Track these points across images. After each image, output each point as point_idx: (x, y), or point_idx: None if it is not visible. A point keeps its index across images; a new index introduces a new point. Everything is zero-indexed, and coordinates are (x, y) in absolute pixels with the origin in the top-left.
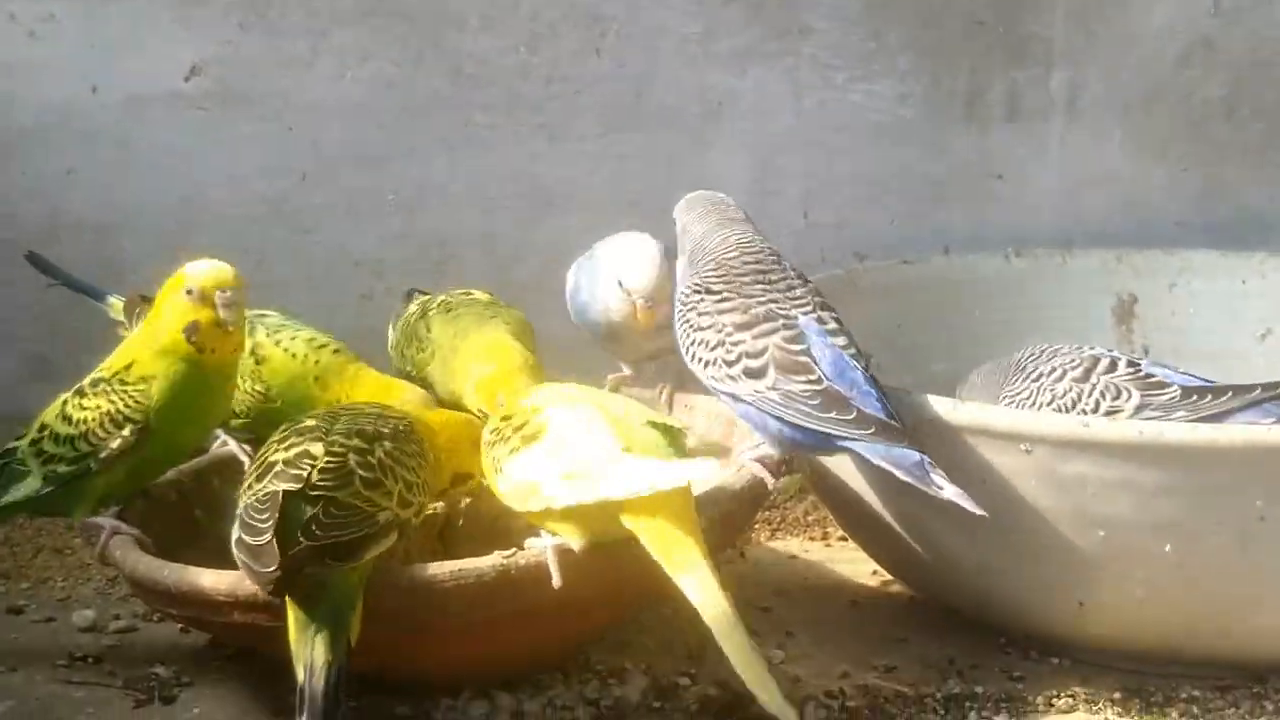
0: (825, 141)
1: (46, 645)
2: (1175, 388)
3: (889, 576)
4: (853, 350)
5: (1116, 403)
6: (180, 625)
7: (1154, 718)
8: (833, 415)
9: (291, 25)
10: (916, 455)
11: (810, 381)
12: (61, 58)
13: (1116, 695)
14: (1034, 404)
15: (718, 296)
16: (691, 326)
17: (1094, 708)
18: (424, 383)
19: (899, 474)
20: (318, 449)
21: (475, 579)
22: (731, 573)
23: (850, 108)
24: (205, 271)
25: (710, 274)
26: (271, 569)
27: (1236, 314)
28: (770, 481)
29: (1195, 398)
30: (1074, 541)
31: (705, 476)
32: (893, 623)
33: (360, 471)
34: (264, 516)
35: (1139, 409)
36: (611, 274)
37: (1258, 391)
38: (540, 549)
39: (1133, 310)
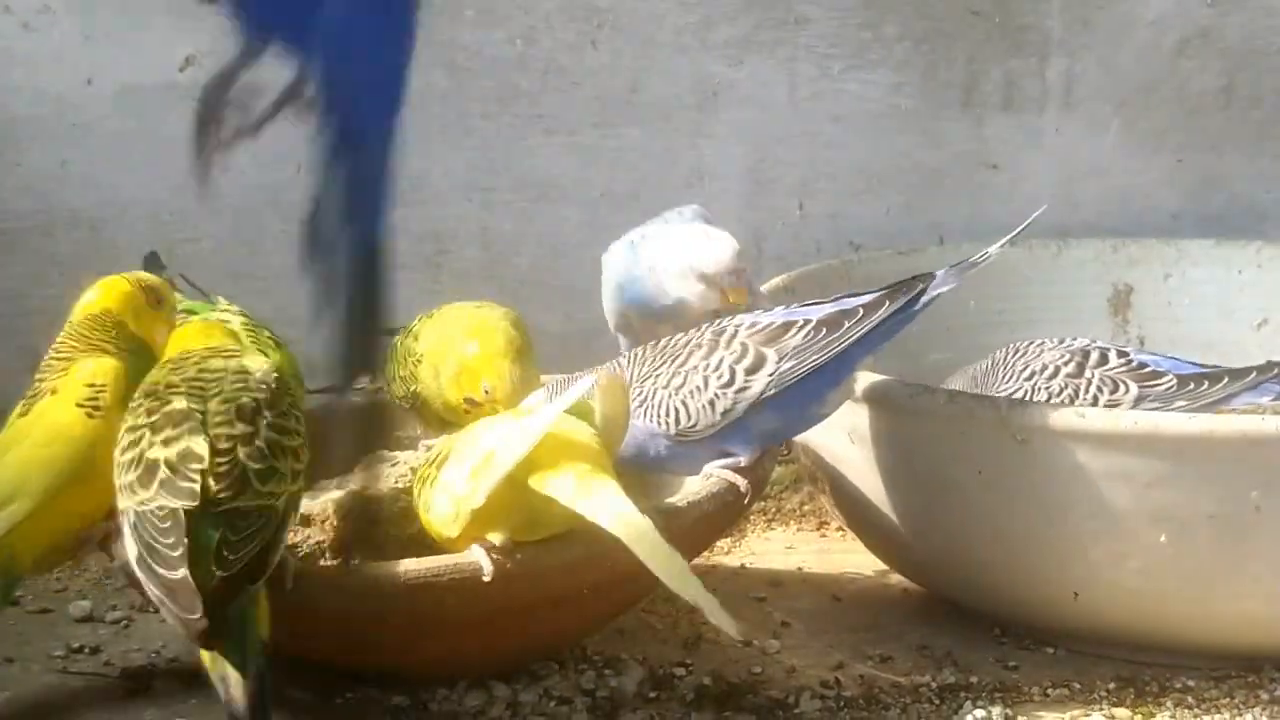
0: (821, 131)
1: (43, 636)
2: (1171, 376)
3: (884, 567)
4: (818, 301)
5: (1115, 396)
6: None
7: (1148, 708)
8: (845, 327)
9: None
10: (934, 274)
11: (800, 328)
12: (56, 49)
13: (1111, 685)
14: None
15: (666, 362)
16: (669, 396)
17: (1088, 698)
18: (423, 405)
19: (946, 287)
20: (201, 446)
21: (471, 575)
22: (725, 563)
23: (846, 98)
24: None
25: (637, 369)
26: (198, 617)
27: (1232, 304)
28: (742, 484)
29: (1192, 385)
30: (1069, 532)
31: (570, 399)
32: (888, 613)
33: (252, 464)
34: (171, 541)
35: (1138, 401)
36: (685, 269)
37: (1253, 375)
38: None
39: (1128, 300)
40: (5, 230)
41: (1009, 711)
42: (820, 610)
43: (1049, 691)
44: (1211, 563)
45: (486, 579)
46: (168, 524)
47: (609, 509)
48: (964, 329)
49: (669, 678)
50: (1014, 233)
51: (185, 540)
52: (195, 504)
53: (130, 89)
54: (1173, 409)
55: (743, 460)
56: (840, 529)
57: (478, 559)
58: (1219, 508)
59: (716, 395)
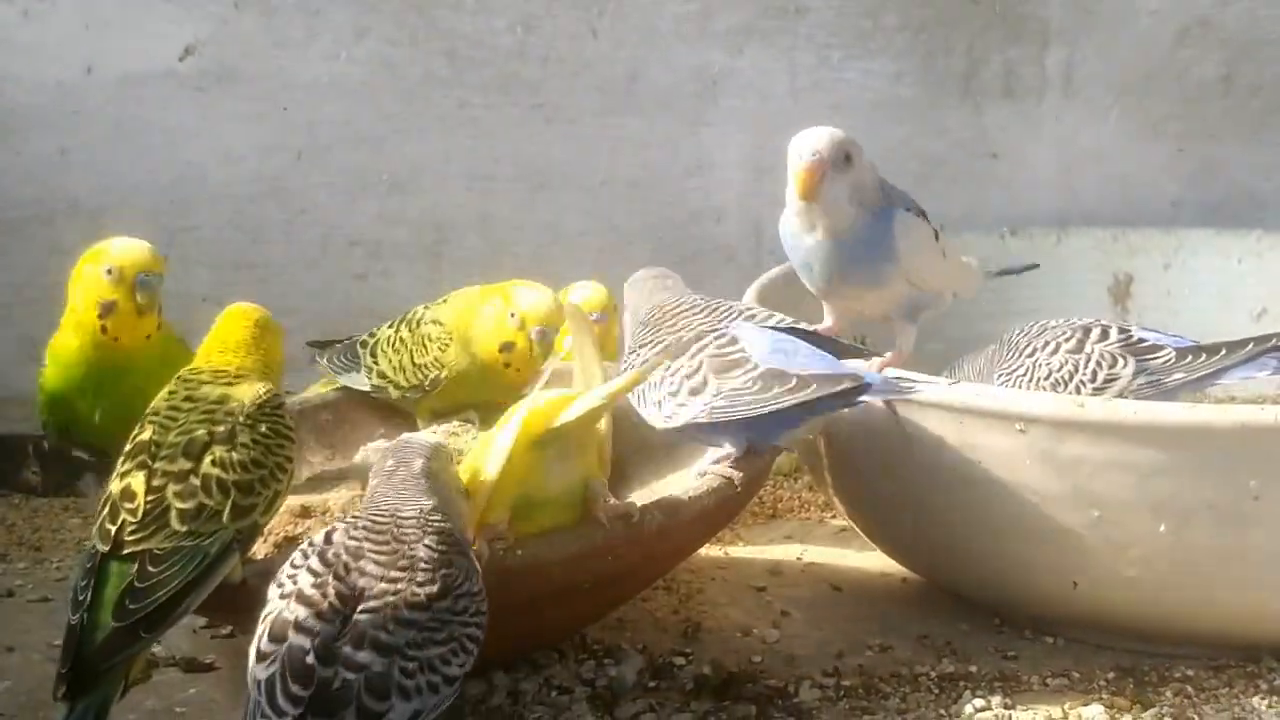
0: (821, 120)
1: (43, 626)
2: (1169, 350)
3: (884, 556)
4: (791, 322)
5: (1113, 370)
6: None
7: (1147, 697)
8: (774, 391)
9: (286, 5)
10: (866, 379)
11: (746, 371)
12: (56, 37)
13: (1110, 675)
14: (1031, 379)
15: (650, 345)
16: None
17: (1088, 687)
18: (453, 390)
19: (873, 399)
20: (139, 483)
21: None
22: (726, 552)
23: (846, 86)
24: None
25: (642, 333)
26: (61, 675)
27: (1232, 292)
28: (736, 477)
29: (1190, 358)
30: (1069, 521)
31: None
32: (888, 602)
33: (178, 504)
34: (82, 584)
35: (1136, 374)
36: None
37: (1250, 346)
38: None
39: (1129, 289)
40: (6, 218)
41: (1008, 701)
42: (820, 599)
43: (1048, 681)
44: (1211, 552)
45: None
46: (88, 564)
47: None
48: (963, 318)
49: (669, 667)
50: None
51: (91, 584)
52: (106, 548)
53: (130, 78)
54: (1171, 381)
55: (733, 452)
56: (838, 518)
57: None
58: (1218, 497)
59: (662, 400)
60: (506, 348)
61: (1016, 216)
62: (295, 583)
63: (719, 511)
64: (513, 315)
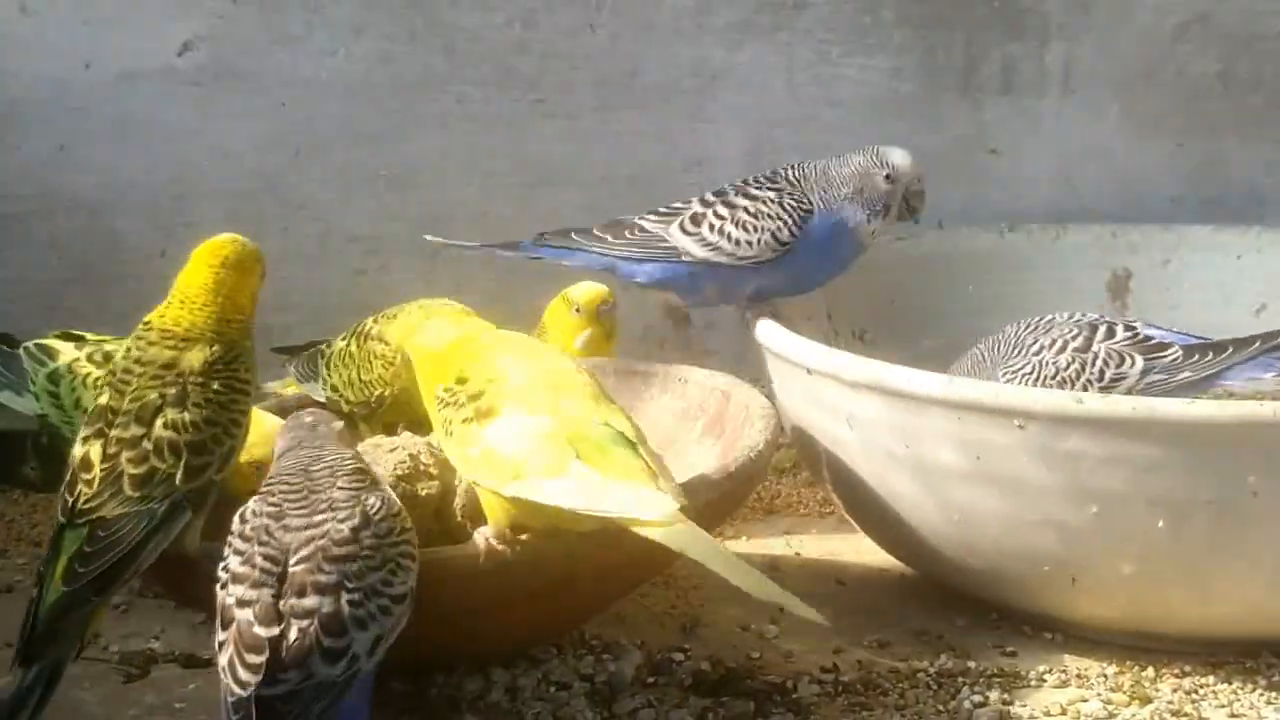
0: (820, 116)
1: None
2: (1176, 348)
3: (882, 551)
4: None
5: (1121, 369)
6: (175, 602)
7: (1146, 693)
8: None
9: (285, 1)
10: None
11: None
12: (54, 33)
13: (1109, 670)
14: (1038, 378)
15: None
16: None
17: (1086, 683)
18: (402, 407)
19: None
20: (96, 452)
21: (469, 563)
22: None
23: (845, 82)
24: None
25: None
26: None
27: (1231, 289)
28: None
29: (1197, 356)
30: (1067, 517)
31: (665, 512)
32: (885, 598)
33: (130, 470)
34: (47, 557)
35: (1144, 373)
36: None
37: (1257, 344)
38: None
39: (1127, 285)
40: (4, 214)
41: (1006, 697)
42: (819, 595)
43: (1046, 677)
44: (1209, 548)
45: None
46: (51, 538)
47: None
48: (962, 314)
49: (667, 663)
50: None
51: (51, 556)
52: (64, 520)
53: (129, 73)
54: (1178, 379)
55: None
56: (837, 513)
57: (478, 545)
58: (1217, 492)
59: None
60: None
61: (1015, 212)
62: (227, 570)
63: (718, 505)
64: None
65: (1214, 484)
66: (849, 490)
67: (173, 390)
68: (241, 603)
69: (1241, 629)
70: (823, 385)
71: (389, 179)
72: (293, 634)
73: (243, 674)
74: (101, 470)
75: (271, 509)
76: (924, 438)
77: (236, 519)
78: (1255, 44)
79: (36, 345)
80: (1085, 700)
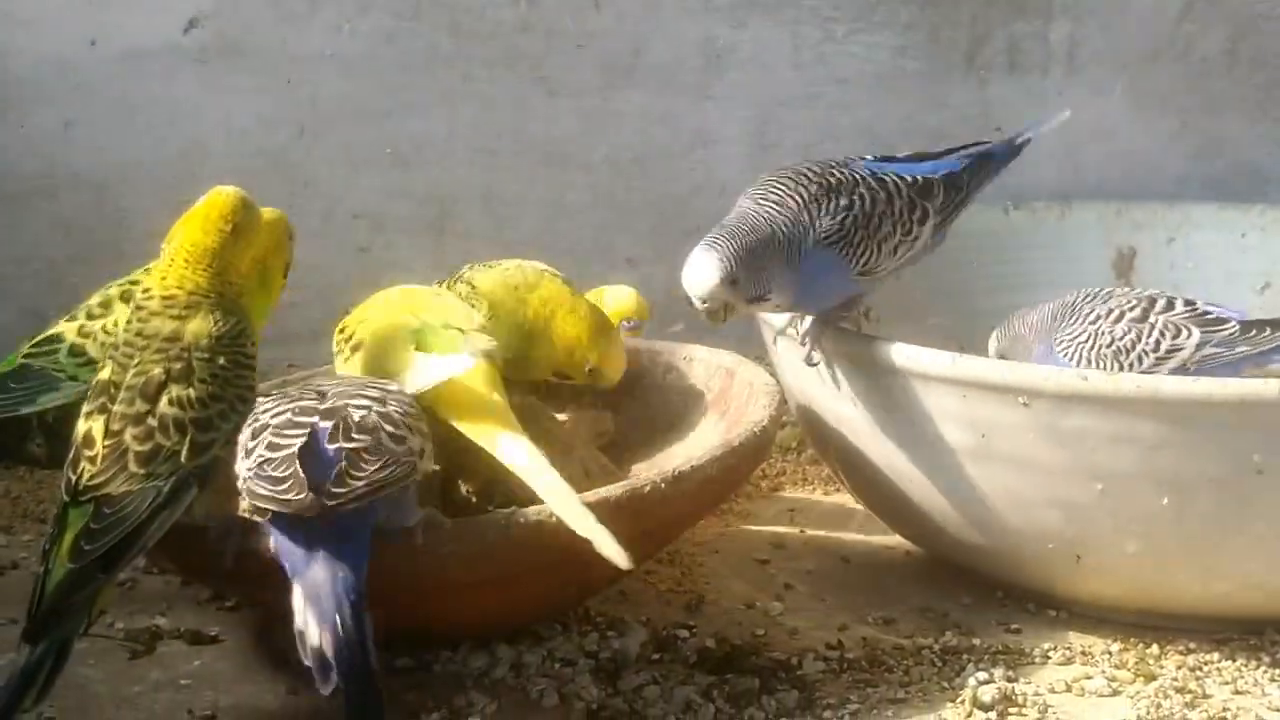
0: (825, 94)
1: None
2: (1234, 323)
3: (887, 529)
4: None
5: (1177, 341)
6: (181, 577)
7: (1150, 670)
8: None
9: None
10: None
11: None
12: (59, 10)
13: (1114, 648)
14: (1093, 346)
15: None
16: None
17: (1091, 660)
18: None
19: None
20: (99, 428)
21: (476, 539)
22: (729, 525)
23: (850, 60)
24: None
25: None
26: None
27: (1235, 267)
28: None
29: (1254, 331)
30: (1072, 494)
31: (465, 366)
32: (890, 575)
33: (136, 446)
34: (52, 534)
35: (1200, 345)
36: None
37: None
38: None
39: (1132, 264)
40: (9, 192)
41: (1011, 674)
42: (823, 573)
43: (1051, 654)
44: (1214, 525)
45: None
46: (56, 515)
47: (526, 458)
48: (966, 293)
49: (672, 639)
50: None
51: (56, 533)
52: (68, 498)
53: (134, 51)
54: (1235, 354)
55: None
56: (841, 490)
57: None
58: (1221, 470)
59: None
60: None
61: (1020, 191)
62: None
63: (722, 481)
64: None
65: (1219, 462)
66: (854, 468)
67: (178, 365)
68: (276, 413)
69: (1246, 606)
70: (827, 363)
71: (394, 156)
72: (356, 416)
73: (286, 441)
74: (105, 447)
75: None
76: (929, 415)
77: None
78: (1260, 23)
79: (33, 348)
80: (1090, 677)
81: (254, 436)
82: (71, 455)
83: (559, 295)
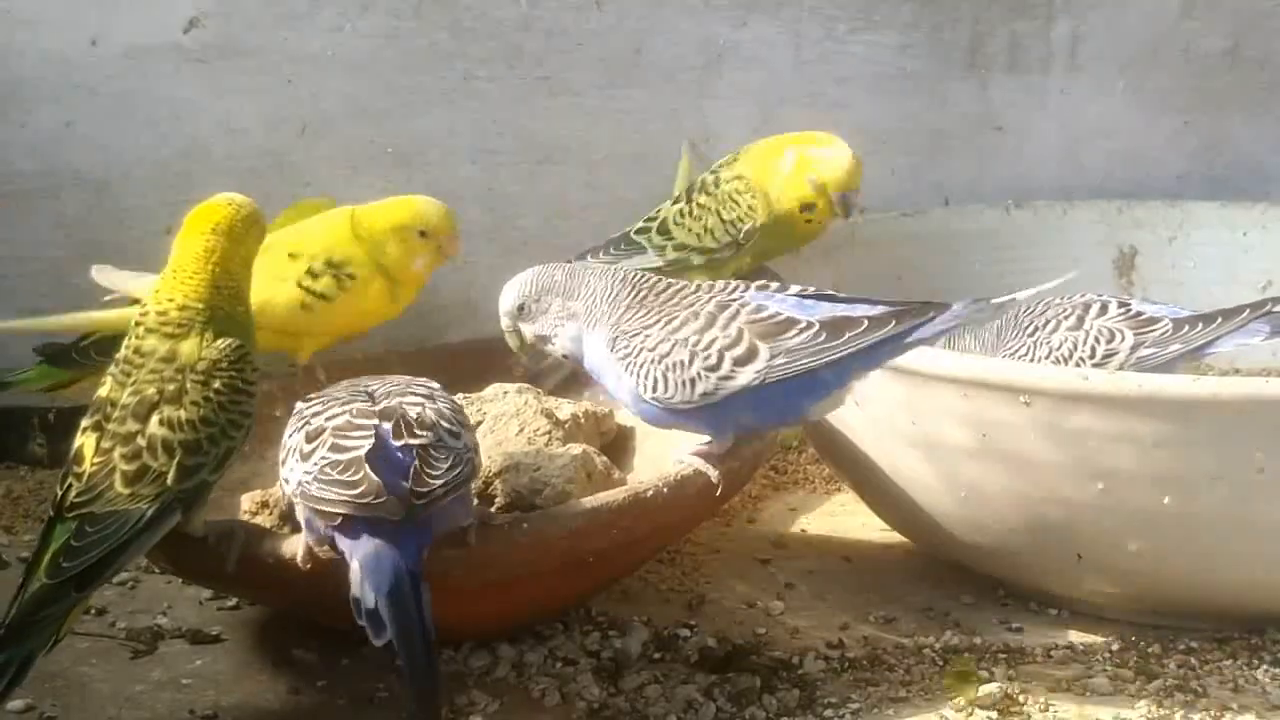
0: (826, 93)
1: None
2: (1166, 321)
3: (888, 529)
4: (807, 289)
5: (1111, 345)
6: (182, 578)
7: (1151, 669)
8: (845, 336)
9: None
10: (949, 305)
11: (803, 329)
12: (60, 9)
13: (1114, 647)
14: (1033, 359)
15: (658, 323)
16: (652, 362)
17: (1091, 659)
18: (761, 242)
19: (957, 321)
20: (90, 445)
21: (480, 544)
22: (731, 525)
23: (851, 59)
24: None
25: (629, 316)
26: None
27: (1237, 266)
28: (713, 475)
29: (1186, 328)
30: (1073, 493)
31: None
32: (892, 575)
33: (123, 466)
34: (37, 547)
35: (1134, 348)
36: None
37: (1245, 313)
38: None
39: (1133, 262)
40: (10, 191)
41: (1012, 673)
42: (825, 572)
43: (1052, 653)
44: (1215, 524)
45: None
46: (43, 529)
47: None
48: (968, 291)
49: (673, 639)
50: (1036, 290)
51: (40, 547)
52: (53, 513)
53: (135, 50)
54: (1169, 352)
55: (715, 447)
56: (843, 490)
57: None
58: (1222, 469)
59: (699, 375)
60: (807, 208)
61: (1021, 189)
62: (299, 420)
63: (726, 480)
64: (811, 178)
65: (1220, 461)
66: (855, 467)
67: (171, 386)
68: (331, 417)
69: (1246, 605)
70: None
71: (395, 156)
72: (412, 414)
73: (351, 443)
74: (93, 465)
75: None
76: (931, 415)
77: (299, 405)
78: (1262, 21)
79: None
80: (1090, 676)
81: (310, 440)
82: (63, 470)
83: (761, 148)
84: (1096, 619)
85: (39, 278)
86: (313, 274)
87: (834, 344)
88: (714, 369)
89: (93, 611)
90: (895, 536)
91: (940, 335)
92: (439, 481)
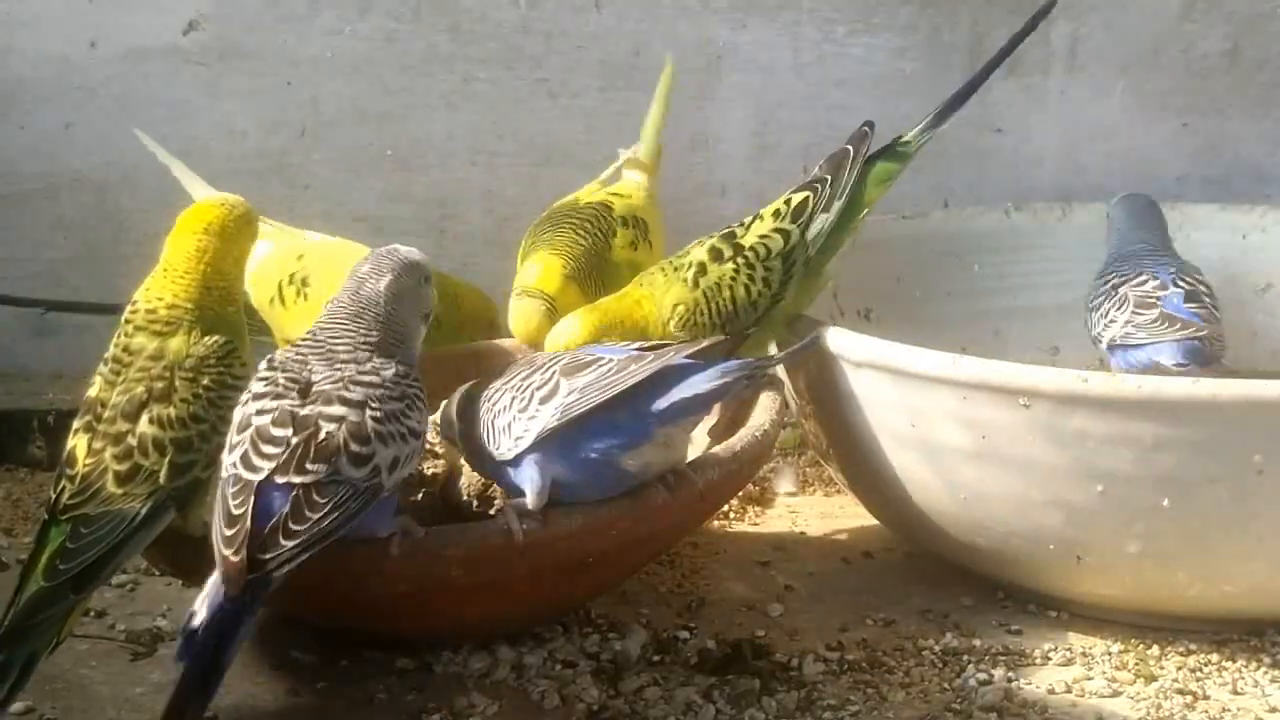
0: (825, 95)
1: None
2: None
3: (888, 530)
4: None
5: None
6: (182, 581)
7: (1151, 671)
8: (630, 369)
9: None
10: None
11: (602, 365)
12: (60, 12)
13: (1114, 649)
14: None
15: (513, 373)
16: (491, 414)
17: (1091, 661)
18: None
19: (741, 374)
20: (82, 447)
21: (480, 543)
22: (730, 527)
23: (850, 61)
24: None
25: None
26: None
27: (1236, 268)
28: (517, 533)
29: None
30: (1072, 495)
31: None
32: (891, 576)
33: (114, 467)
34: (33, 550)
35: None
36: None
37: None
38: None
39: None
40: (10, 193)
41: (1011, 675)
42: (824, 574)
43: (1051, 655)
44: (1214, 526)
45: (518, 541)
46: (37, 531)
47: None
48: (966, 293)
49: (672, 641)
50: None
51: (36, 549)
52: (47, 516)
53: (134, 52)
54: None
55: (529, 501)
56: (842, 492)
57: (511, 521)
58: (1222, 471)
59: (514, 419)
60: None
61: (1021, 191)
62: (249, 392)
63: (725, 484)
64: None
65: (1219, 463)
66: (854, 469)
67: (160, 384)
68: (261, 411)
69: (1246, 607)
70: (828, 364)
71: (394, 158)
72: (321, 434)
73: (256, 461)
74: (86, 466)
75: (297, 356)
76: (930, 417)
77: (264, 363)
78: (1262, 22)
79: None
80: (1090, 678)
81: (240, 430)
82: (56, 473)
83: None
84: (1096, 621)
85: (38, 278)
86: None
87: (618, 377)
88: (524, 409)
89: (92, 614)
90: (894, 538)
91: (720, 387)
92: (291, 544)
